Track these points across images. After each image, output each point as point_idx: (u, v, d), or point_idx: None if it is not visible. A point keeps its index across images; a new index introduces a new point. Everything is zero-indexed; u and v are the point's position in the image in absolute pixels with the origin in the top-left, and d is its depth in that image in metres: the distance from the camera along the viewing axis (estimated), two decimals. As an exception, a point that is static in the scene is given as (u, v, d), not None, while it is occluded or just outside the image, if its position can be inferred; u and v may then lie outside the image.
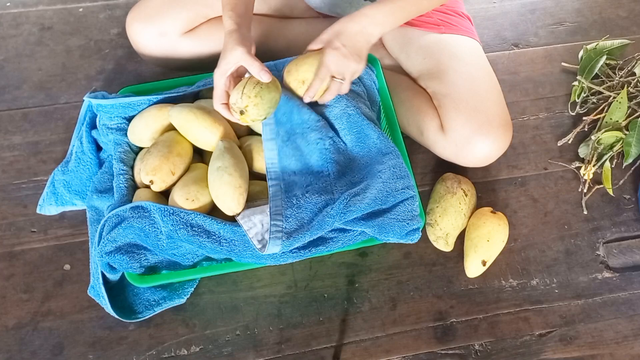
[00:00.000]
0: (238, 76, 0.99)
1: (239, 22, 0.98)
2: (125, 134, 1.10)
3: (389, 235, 0.97)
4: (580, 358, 1.05)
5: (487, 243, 1.09)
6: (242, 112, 0.95)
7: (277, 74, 1.17)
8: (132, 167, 1.08)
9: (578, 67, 1.35)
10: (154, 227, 0.97)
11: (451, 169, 1.18)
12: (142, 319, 1.04)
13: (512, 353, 1.05)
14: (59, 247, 1.13)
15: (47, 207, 1.13)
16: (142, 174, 1.02)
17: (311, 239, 0.95)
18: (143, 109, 1.11)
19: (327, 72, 0.98)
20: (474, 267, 1.09)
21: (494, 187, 1.21)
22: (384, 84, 1.14)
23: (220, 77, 0.97)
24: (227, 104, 0.98)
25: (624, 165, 1.24)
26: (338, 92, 1.01)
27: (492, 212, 1.12)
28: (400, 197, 0.98)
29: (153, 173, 1.01)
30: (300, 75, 1.01)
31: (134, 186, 1.05)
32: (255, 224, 0.95)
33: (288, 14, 1.27)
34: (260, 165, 1.05)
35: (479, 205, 1.17)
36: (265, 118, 0.98)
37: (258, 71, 0.94)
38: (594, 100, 1.31)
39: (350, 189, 0.98)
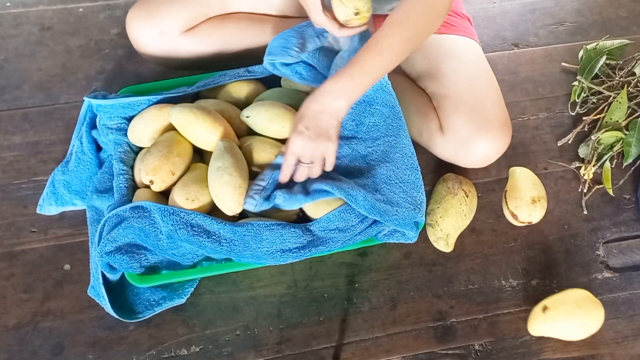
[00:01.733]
0: None
1: None
2: (125, 134, 1.10)
3: (392, 219, 0.97)
4: (580, 358, 1.05)
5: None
6: (357, 13, 0.98)
7: (274, 76, 1.18)
8: (132, 167, 1.08)
9: (578, 67, 1.35)
10: (154, 227, 0.97)
11: (451, 169, 1.18)
12: (142, 319, 1.04)
13: (512, 353, 1.05)
14: (59, 247, 1.13)
15: (47, 207, 1.13)
16: (142, 174, 1.02)
17: (293, 200, 0.97)
18: (143, 109, 1.11)
19: (293, 158, 0.97)
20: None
21: (494, 187, 1.21)
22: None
23: (319, 16, 1.01)
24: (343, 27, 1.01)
25: (624, 165, 1.24)
26: (308, 175, 0.98)
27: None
28: (408, 184, 1.00)
29: (153, 173, 1.01)
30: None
31: (134, 186, 1.05)
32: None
33: (288, 14, 1.27)
34: (260, 165, 1.05)
35: (479, 205, 1.17)
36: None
37: None
38: (594, 100, 1.31)
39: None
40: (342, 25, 1.02)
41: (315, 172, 0.99)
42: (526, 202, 1.13)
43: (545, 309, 1.03)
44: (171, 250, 0.97)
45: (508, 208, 1.14)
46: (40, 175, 1.21)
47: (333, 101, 0.95)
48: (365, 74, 0.96)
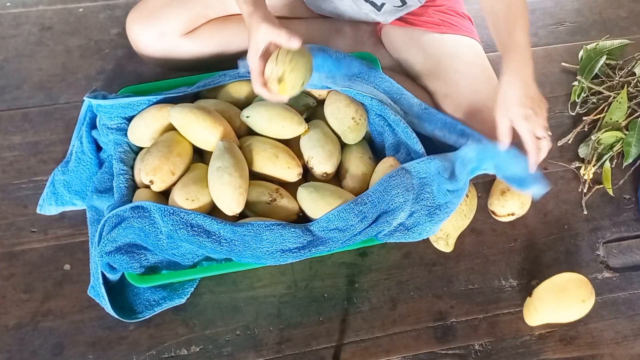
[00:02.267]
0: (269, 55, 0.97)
1: (256, 2, 0.98)
2: (125, 134, 1.10)
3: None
4: (580, 358, 1.05)
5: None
6: (280, 80, 0.94)
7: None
8: (132, 167, 1.08)
9: (578, 67, 1.35)
10: (154, 227, 0.97)
11: (451, 169, 1.18)
12: (142, 319, 1.04)
13: (512, 353, 1.05)
14: (59, 247, 1.13)
15: (47, 207, 1.13)
16: (142, 174, 1.02)
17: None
18: (143, 109, 1.11)
19: (532, 139, 0.97)
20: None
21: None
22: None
23: (253, 59, 0.96)
24: (265, 85, 0.96)
25: (624, 165, 1.24)
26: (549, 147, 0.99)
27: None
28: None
29: (153, 173, 1.01)
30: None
31: (134, 186, 1.05)
32: None
33: (288, 15, 1.27)
34: (260, 165, 1.05)
35: (479, 205, 1.17)
36: (303, 85, 0.96)
37: (287, 39, 0.93)
38: (594, 100, 1.31)
39: None
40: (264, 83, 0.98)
41: (549, 144, 0.99)
42: (496, 196, 1.14)
43: (531, 294, 1.05)
44: (171, 250, 0.97)
45: (489, 208, 1.16)
46: (40, 175, 1.21)
47: (530, 84, 0.98)
48: (529, 49, 1.00)
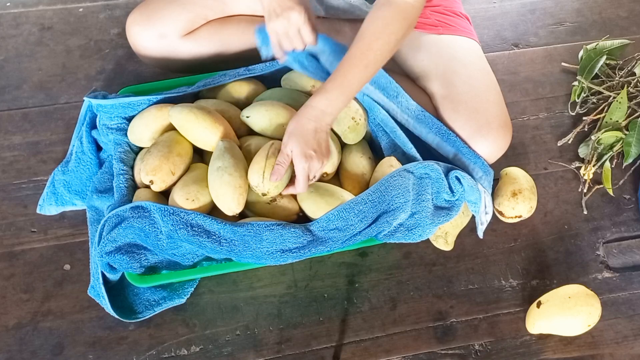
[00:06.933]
0: None
1: None
2: (125, 134, 1.10)
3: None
4: (580, 358, 1.05)
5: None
6: (264, 194, 0.99)
7: (274, 76, 1.18)
8: (132, 167, 1.08)
9: (578, 67, 1.35)
10: (154, 227, 0.97)
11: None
12: (142, 319, 1.04)
13: (512, 353, 1.05)
14: (59, 247, 1.13)
15: (47, 207, 1.13)
16: (142, 174, 1.02)
17: None
18: (143, 109, 1.11)
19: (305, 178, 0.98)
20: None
21: (493, 186, 1.21)
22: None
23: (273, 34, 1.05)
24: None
25: (624, 165, 1.24)
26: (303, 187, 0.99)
27: None
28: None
29: (153, 173, 1.01)
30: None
31: (134, 186, 1.05)
32: None
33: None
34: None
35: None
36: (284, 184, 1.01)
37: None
38: (594, 100, 1.31)
39: None
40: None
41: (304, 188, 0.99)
42: (506, 197, 1.14)
43: (539, 304, 1.04)
44: (171, 250, 0.97)
45: (496, 208, 1.15)
46: (40, 175, 1.21)
47: (325, 119, 0.98)
48: (351, 88, 0.99)
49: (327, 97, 0.98)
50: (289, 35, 1.05)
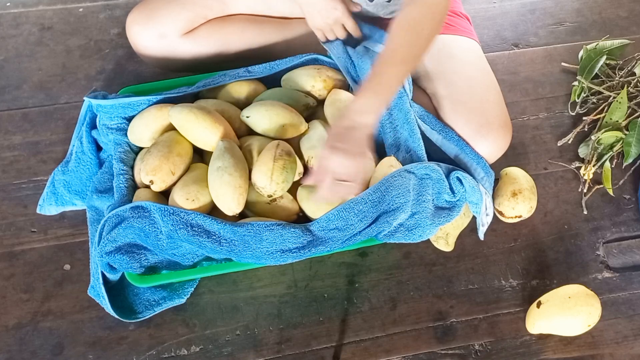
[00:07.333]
0: None
1: None
2: (125, 134, 1.10)
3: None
4: (580, 358, 1.05)
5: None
6: (269, 196, 1.00)
7: (274, 76, 1.18)
8: (132, 167, 1.08)
9: (578, 67, 1.35)
10: (154, 227, 0.97)
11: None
12: (142, 319, 1.04)
13: (512, 353, 1.05)
14: (59, 247, 1.13)
15: (47, 207, 1.13)
16: (142, 174, 1.02)
17: None
18: (143, 109, 1.11)
19: (329, 178, 0.94)
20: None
21: (494, 187, 1.21)
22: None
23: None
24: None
25: (624, 165, 1.24)
26: (345, 194, 0.97)
27: None
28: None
29: (153, 173, 1.01)
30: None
31: (134, 186, 1.05)
32: None
33: (288, 15, 1.27)
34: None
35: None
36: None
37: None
38: (594, 100, 1.31)
39: None
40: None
41: (355, 191, 0.97)
42: (506, 197, 1.14)
43: (539, 304, 1.04)
44: (171, 250, 0.97)
45: (495, 208, 1.15)
46: (40, 175, 1.21)
47: (363, 118, 0.96)
48: (389, 87, 0.98)
49: (363, 97, 0.97)
50: (351, 179, 0.96)
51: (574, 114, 1.31)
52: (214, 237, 0.96)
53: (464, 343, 1.06)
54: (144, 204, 0.97)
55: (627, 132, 1.23)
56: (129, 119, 1.11)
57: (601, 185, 1.22)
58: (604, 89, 1.29)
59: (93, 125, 1.15)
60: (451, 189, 1.04)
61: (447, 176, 1.04)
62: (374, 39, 1.16)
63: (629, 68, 1.32)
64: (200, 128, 1.04)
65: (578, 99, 1.31)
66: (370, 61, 1.12)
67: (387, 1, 1.15)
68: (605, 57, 1.32)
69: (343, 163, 0.93)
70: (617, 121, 1.25)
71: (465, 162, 1.08)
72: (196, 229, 0.96)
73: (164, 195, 1.04)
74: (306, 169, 1.08)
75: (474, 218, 1.14)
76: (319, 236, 0.98)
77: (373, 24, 1.19)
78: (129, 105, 1.10)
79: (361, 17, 1.19)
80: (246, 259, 0.97)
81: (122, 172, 1.05)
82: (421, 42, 1.00)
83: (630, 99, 1.26)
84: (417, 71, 1.19)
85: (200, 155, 1.11)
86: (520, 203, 1.13)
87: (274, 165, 0.98)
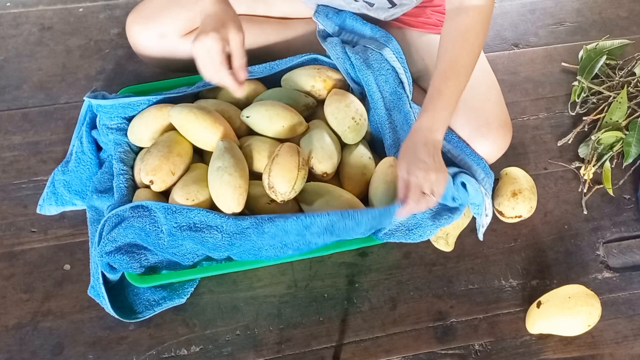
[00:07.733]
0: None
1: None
2: (125, 134, 1.10)
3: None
4: (580, 358, 1.05)
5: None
6: (282, 201, 1.00)
7: (274, 76, 1.18)
8: (132, 167, 1.08)
9: (578, 67, 1.35)
10: (155, 227, 0.97)
11: (451, 169, 1.18)
12: (142, 319, 1.04)
13: (512, 353, 1.05)
14: (59, 247, 1.13)
15: (47, 207, 1.13)
16: (142, 174, 1.02)
17: None
18: (143, 109, 1.11)
19: (417, 191, 0.94)
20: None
21: (494, 187, 1.21)
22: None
23: (216, 42, 0.96)
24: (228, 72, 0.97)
25: (624, 165, 1.24)
26: (427, 206, 0.97)
27: None
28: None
29: (153, 173, 1.01)
30: None
31: (134, 186, 1.05)
32: None
33: (288, 15, 1.27)
34: (260, 165, 1.05)
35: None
36: None
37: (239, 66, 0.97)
38: (594, 100, 1.31)
39: None
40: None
41: (434, 203, 0.97)
42: (506, 197, 1.14)
43: (539, 304, 1.04)
44: (172, 249, 0.97)
45: (495, 208, 1.15)
46: (40, 175, 1.21)
47: (433, 135, 0.97)
48: (452, 102, 0.99)
49: (429, 115, 0.97)
50: (432, 192, 0.97)
51: (574, 114, 1.31)
52: (216, 232, 0.96)
53: (464, 343, 1.06)
54: (145, 203, 0.97)
55: (627, 132, 1.23)
56: (129, 119, 1.11)
57: (601, 185, 1.22)
58: (604, 89, 1.30)
59: (93, 125, 1.15)
60: (454, 191, 1.03)
61: (452, 177, 1.04)
62: (378, 39, 1.16)
63: (629, 68, 1.32)
64: (200, 128, 1.04)
65: (578, 99, 1.31)
66: (369, 61, 1.12)
67: (390, 6, 1.15)
68: (605, 57, 1.32)
69: (428, 177, 0.94)
70: (617, 121, 1.25)
71: (466, 162, 1.08)
72: (199, 225, 0.96)
73: (164, 196, 1.04)
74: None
75: (474, 218, 1.14)
76: (319, 224, 0.97)
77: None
78: (129, 105, 1.10)
79: (364, 18, 1.20)
80: (247, 254, 0.97)
81: (122, 172, 1.05)
82: (477, 50, 1.01)
83: (630, 99, 1.26)
84: (417, 71, 1.19)
85: (200, 155, 1.11)
86: (520, 203, 1.13)
87: (298, 174, 0.99)
